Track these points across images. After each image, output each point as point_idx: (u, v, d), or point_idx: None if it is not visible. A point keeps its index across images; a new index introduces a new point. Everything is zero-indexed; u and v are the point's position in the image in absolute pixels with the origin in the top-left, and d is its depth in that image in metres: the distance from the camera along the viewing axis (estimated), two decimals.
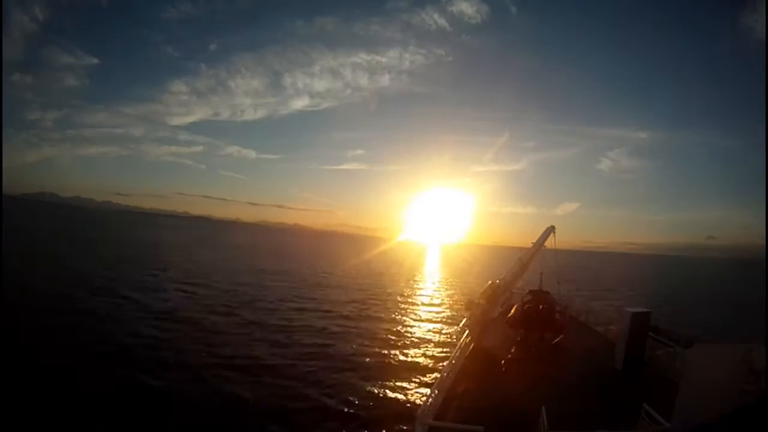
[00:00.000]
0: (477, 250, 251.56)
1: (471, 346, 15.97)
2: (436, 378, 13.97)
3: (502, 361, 14.83)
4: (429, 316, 34.06)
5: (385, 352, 22.24)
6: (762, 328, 24.53)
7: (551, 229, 22.25)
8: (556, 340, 18.06)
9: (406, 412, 14.70)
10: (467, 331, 16.80)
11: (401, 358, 21.67)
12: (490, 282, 19.26)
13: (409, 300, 41.51)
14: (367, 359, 20.76)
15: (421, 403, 10.94)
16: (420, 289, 51.86)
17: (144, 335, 21.63)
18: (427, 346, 24.12)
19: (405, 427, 13.69)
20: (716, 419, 7.60)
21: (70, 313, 24.02)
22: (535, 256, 21.25)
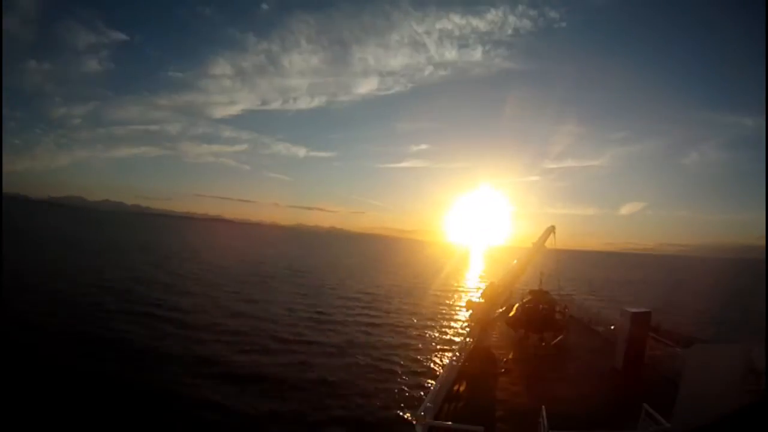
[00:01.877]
0: (521, 254, 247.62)
1: (471, 346, 15.97)
2: (436, 378, 13.97)
3: (503, 361, 14.83)
4: None
5: None
6: (762, 328, 24.51)
7: (551, 229, 22.26)
8: (556, 340, 18.05)
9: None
10: (467, 331, 16.80)
11: None
12: (490, 282, 19.26)
13: None
14: None
15: (422, 403, 10.94)
16: None
17: None
18: None
19: (405, 427, 13.72)
20: (716, 419, 7.59)
21: None
22: (534, 256, 21.27)
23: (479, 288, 56.43)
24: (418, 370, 19.91)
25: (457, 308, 38.04)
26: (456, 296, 47.54)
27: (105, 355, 18.47)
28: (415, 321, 31.38)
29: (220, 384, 16.49)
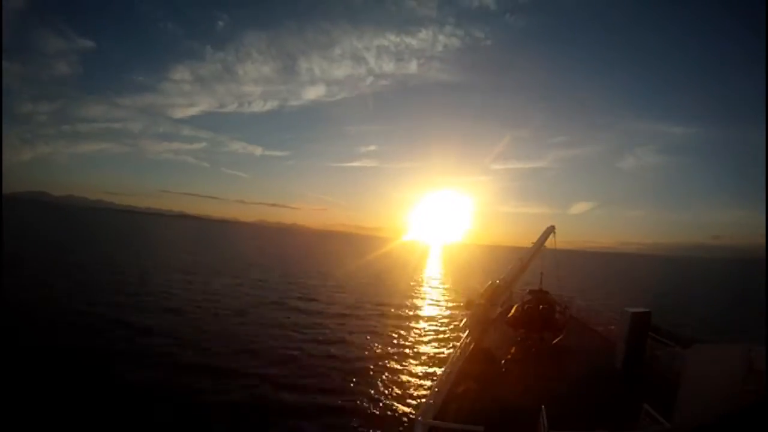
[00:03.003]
0: (475, 250, 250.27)
1: (471, 346, 15.97)
2: (436, 378, 13.97)
3: (502, 361, 14.84)
4: None
5: None
6: (762, 328, 24.52)
7: (551, 229, 22.25)
8: (556, 340, 18.05)
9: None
10: (467, 331, 16.80)
11: None
12: (490, 282, 19.25)
13: None
14: None
15: (421, 403, 10.94)
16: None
17: None
18: None
19: (405, 427, 13.71)
20: (716, 419, 7.58)
21: None
22: (535, 256, 21.25)
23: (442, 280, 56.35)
24: (417, 368, 19.93)
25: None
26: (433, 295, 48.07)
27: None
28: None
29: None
